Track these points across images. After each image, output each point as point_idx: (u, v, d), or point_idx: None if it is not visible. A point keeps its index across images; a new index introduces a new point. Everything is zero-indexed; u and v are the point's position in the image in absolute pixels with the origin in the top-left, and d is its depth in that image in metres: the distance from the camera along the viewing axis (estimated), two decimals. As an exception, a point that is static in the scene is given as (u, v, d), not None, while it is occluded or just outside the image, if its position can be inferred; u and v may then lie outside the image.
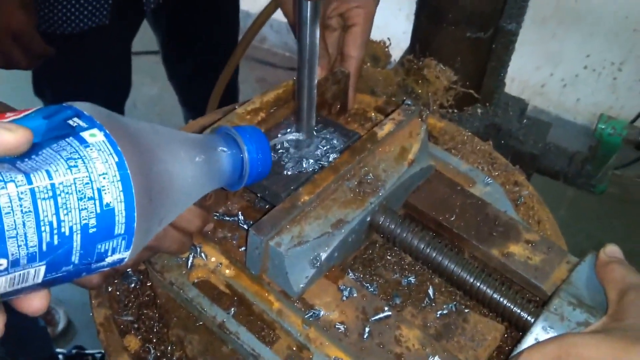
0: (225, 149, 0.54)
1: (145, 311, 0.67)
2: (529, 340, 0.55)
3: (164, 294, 0.66)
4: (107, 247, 0.43)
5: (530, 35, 2.35)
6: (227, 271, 0.65)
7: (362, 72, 0.96)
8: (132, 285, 0.69)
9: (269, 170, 0.58)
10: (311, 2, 0.54)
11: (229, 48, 1.51)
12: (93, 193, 0.41)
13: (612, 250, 0.61)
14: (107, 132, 0.43)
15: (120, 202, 0.42)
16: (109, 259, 0.44)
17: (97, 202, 0.41)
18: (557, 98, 2.50)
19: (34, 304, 0.42)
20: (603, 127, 0.84)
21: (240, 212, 0.70)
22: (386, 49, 0.98)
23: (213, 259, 0.65)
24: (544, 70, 2.45)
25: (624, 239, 2.17)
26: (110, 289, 0.68)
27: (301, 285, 0.61)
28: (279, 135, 0.69)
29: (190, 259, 0.65)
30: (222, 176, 0.55)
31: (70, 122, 0.43)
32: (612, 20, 2.22)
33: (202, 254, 0.65)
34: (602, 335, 0.51)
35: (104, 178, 0.42)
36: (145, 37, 1.53)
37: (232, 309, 0.63)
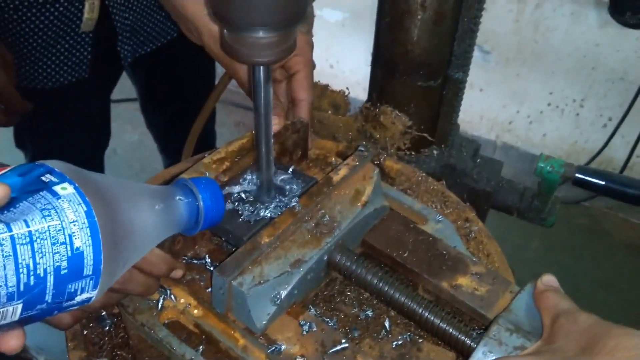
0: (182, 197, 0.60)
1: (119, 352, 0.71)
2: (470, 365, 0.60)
3: (136, 335, 0.70)
4: (76, 287, 0.48)
5: (495, 76, 2.47)
6: (196, 311, 0.69)
7: (324, 119, 1.03)
8: (107, 327, 0.73)
9: (222, 216, 0.64)
10: (263, 67, 0.61)
11: (206, 98, 1.57)
12: (65, 238, 0.47)
13: (548, 279, 0.67)
14: (77, 185, 0.49)
15: (89, 246, 0.48)
16: (78, 298, 0.49)
17: (69, 247, 0.47)
18: (524, 134, 2.60)
19: (11, 342, 0.47)
20: (542, 165, 0.91)
21: (207, 255, 0.75)
22: (345, 98, 1.05)
23: (182, 300, 0.70)
24: (510, 108, 2.56)
25: (594, 268, 2.24)
26: (85, 332, 0.72)
27: (263, 322, 0.66)
28: (242, 183, 0.75)
29: (161, 300, 0.69)
30: (179, 222, 0.61)
31: (43, 178, 0.49)
32: (571, 60, 2.33)
33: (172, 296, 0.70)
34: (533, 357, 0.56)
35: (74, 225, 0.47)
36: (126, 85, 1.58)
37: (201, 346, 0.68)
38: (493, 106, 2.56)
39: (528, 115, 2.55)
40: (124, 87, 1.60)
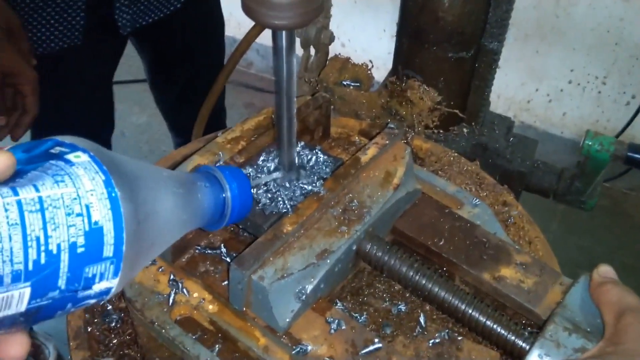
0: (207, 184, 0.53)
1: (126, 351, 0.65)
2: (524, 370, 0.53)
3: (145, 333, 0.63)
4: (95, 272, 0.40)
5: (514, 52, 2.37)
6: (211, 307, 0.62)
7: (345, 95, 0.95)
8: (113, 324, 0.66)
9: (249, 209, 0.57)
10: (286, 32, 0.53)
11: (215, 72, 1.49)
12: (81, 209, 0.39)
13: (605, 270, 0.60)
14: (92, 154, 0.42)
15: (109, 220, 0.40)
16: (96, 287, 0.41)
17: (86, 219, 0.39)
18: (543, 113, 2.51)
19: (13, 349, 0.39)
20: (590, 143, 0.82)
21: (222, 244, 0.68)
22: (369, 72, 0.97)
23: (195, 295, 0.63)
24: (529, 86, 2.46)
25: (615, 251, 2.17)
26: (89, 329, 0.65)
27: (287, 320, 0.59)
28: (259, 164, 0.68)
29: (172, 295, 0.62)
30: (204, 213, 0.53)
31: (53, 150, 0.41)
32: (593, 35, 2.24)
33: (184, 290, 0.63)
34: (599, 362, 0.49)
35: (91, 195, 0.40)
36: (133, 66, 1.52)
37: (217, 346, 0.61)
38: (511, 84, 2.47)
39: (547, 94, 2.45)
40: (132, 68, 1.53)
